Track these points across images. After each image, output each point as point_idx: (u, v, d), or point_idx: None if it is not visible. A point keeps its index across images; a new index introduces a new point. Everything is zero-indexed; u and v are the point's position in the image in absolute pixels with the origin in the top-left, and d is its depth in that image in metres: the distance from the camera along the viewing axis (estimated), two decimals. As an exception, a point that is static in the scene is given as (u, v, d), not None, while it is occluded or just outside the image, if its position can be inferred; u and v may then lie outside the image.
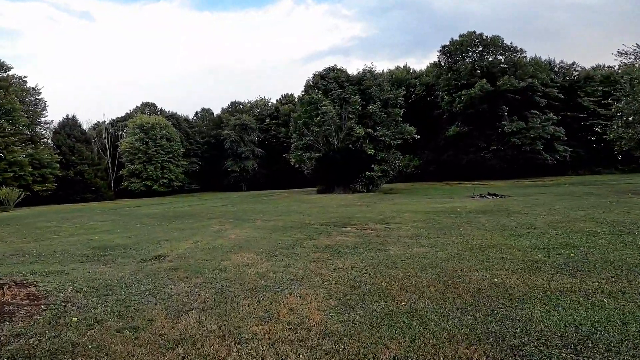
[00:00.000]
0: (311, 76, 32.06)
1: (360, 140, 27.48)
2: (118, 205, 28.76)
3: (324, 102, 27.29)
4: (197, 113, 63.35)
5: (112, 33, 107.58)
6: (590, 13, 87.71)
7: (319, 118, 27.20)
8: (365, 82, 28.92)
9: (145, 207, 23.76)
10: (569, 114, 41.76)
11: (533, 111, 39.36)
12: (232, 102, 60.14)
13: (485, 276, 5.29)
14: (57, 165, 39.36)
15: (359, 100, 27.46)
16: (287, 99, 60.12)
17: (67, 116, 45.33)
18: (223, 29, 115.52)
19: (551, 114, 39.51)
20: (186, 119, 58.05)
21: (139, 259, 7.24)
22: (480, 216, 11.66)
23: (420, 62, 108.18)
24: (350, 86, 29.17)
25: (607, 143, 47.25)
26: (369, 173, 26.71)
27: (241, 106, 59.67)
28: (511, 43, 44.68)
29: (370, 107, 27.62)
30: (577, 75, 45.60)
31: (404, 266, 6.03)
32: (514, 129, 38.49)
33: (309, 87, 31.31)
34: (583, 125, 43.71)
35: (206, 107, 64.00)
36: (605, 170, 41.66)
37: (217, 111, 61.81)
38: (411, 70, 55.26)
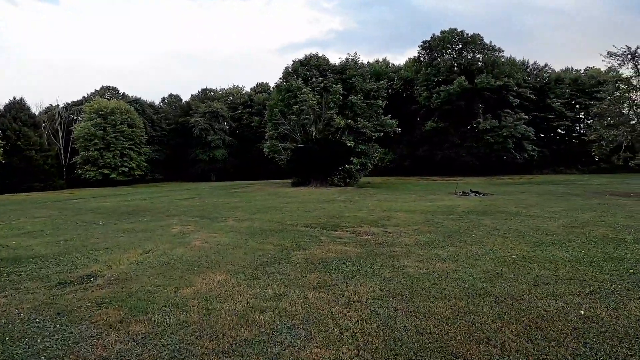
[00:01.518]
0: (290, 63, 29.78)
1: (340, 132, 25.70)
2: (66, 196, 25.18)
3: (303, 90, 25.17)
4: (163, 99, 58.74)
5: (78, 15, 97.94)
6: (561, 17, 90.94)
7: (297, 106, 25.07)
8: (348, 71, 27.07)
9: (96, 199, 20.64)
10: (538, 114, 42.36)
11: (506, 110, 39.42)
12: (202, 89, 56.27)
13: (562, 306, 3.79)
14: (0, 150, 34.41)
15: (341, 89, 25.60)
16: (261, 87, 57.11)
17: (14, 98, 39.95)
18: (199, 15, 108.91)
19: (522, 114, 39.79)
20: (151, 105, 53.46)
21: (56, 282, 5.01)
22: (482, 218, 10.32)
23: (396, 57, 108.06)
24: (332, 75, 27.22)
25: (570, 144, 49.14)
26: (348, 166, 25.05)
27: (212, 93, 55.90)
28: (490, 42, 44.55)
29: (351, 97, 25.86)
30: (547, 77, 46.40)
31: (442, 295, 4.32)
32: (488, 127, 38.35)
33: (287, 74, 28.97)
34: (549, 125, 44.68)
35: (175, 93, 59.46)
36: (567, 171, 42.84)
37: (186, 98, 57.63)
38: (390, 65, 54.08)
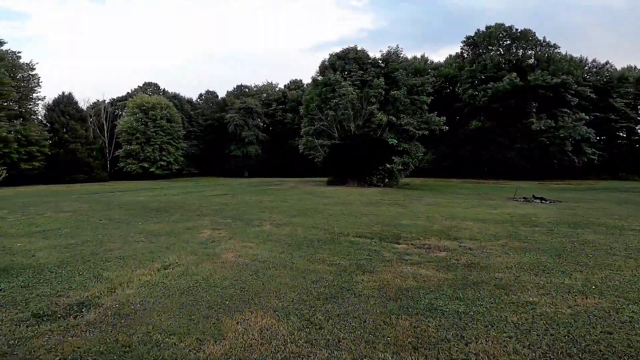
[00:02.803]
0: (327, 56, 27.95)
1: (381, 128, 23.55)
2: (104, 188, 24.97)
3: (342, 83, 23.27)
4: (201, 95, 59.00)
5: (122, 15, 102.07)
6: (609, 15, 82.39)
7: (335, 101, 23.21)
8: (390, 64, 24.83)
9: (131, 192, 19.95)
10: (599, 115, 37.71)
11: (564, 110, 35.29)
12: (237, 86, 55.78)
13: None
14: (47, 142, 35.39)
15: (383, 83, 23.43)
16: (295, 84, 55.81)
17: (62, 93, 41.20)
18: (232, 12, 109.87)
19: (583, 114, 35.47)
20: (189, 101, 53.73)
21: (31, 312, 3.51)
22: (580, 232, 8.21)
23: (430, 56, 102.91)
24: (372, 68, 25.11)
25: (632, 148, 43.53)
26: (389, 165, 22.86)
27: (247, 90, 55.30)
28: (544, 38, 40.40)
29: (394, 92, 23.60)
30: (608, 75, 41.38)
31: (627, 350, 2.38)
32: (543, 127, 34.42)
33: (324, 68, 27.16)
34: (610, 127, 39.79)
35: (211, 90, 59.65)
36: (629, 177, 37.86)
37: (222, 94, 57.52)
38: (429, 62, 50.88)
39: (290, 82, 56.68)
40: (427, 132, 24.00)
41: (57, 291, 4.18)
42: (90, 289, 4.28)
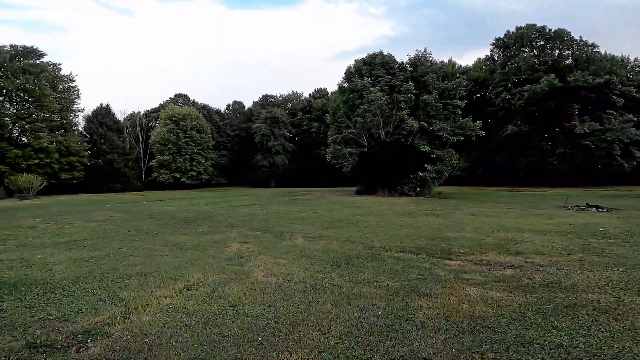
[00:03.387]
0: (352, 62, 27.33)
1: (412, 135, 22.44)
2: (138, 198, 25.38)
3: (371, 89, 22.47)
4: (228, 106, 60.03)
5: (151, 28, 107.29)
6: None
7: (364, 107, 22.39)
8: (419, 68, 23.78)
9: (162, 202, 19.99)
10: (646, 115, 34.44)
11: (609, 111, 32.54)
12: (263, 95, 56.35)
13: None
14: (86, 153, 36.92)
15: (413, 88, 22.40)
16: (320, 93, 55.61)
17: (100, 105, 43.12)
18: (254, 26, 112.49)
19: (631, 115, 32.52)
20: (217, 111, 54.81)
21: (31, 338, 3.01)
22: None
23: (455, 59, 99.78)
24: (401, 73, 24.17)
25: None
26: (421, 173, 21.63)
27: (272, 99, 55.71)
28: (580, 37, 37.89)
29: (425, 96, 22.48)
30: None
31: None
32: (587, 130, 31.82)
33: (350, 74, 26.51)
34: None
35: (238, 100, 60.71)
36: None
37: (248, 105, 58.33)
38: (457, 66, 49.07)
39: (315, 90, 56.56)
40: (462, 138, 22.60)
41: (64, 314, 3.63)
42: (102, 312, 3.70)
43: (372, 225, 10.01)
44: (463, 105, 23.40)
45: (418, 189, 22.73)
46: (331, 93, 54.93)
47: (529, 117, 34.47)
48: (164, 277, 5.02)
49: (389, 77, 24.13)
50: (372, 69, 25.15)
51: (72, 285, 4.65)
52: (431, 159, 22.20)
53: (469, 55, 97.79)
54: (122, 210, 14.85)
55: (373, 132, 24.10)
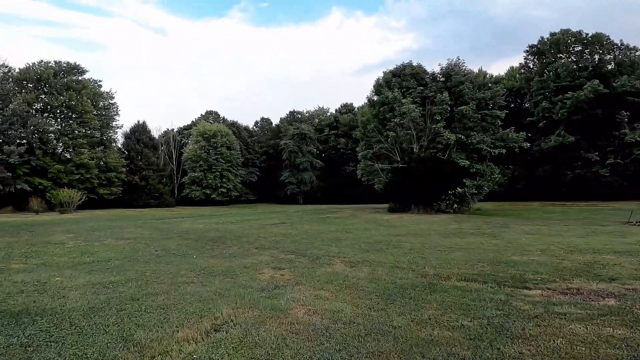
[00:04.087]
0: (381, 75, 26.43)
1: (449, 149, 21.06)
2: (169, 214, 25.47)
3: (403, 101, 21.48)
4: (256, 122, 60.97)
5: (182, 46, 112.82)
6: None
7: (396, 120, 21.38)
8: (453, 77, 22.57)
9: (191, 219, 19.74)
10: None
11: (663, 118, 29.56)
12: (290, 112, 56.68)
13: None
14: (124, 169, 38.21)
15: (448, 99, 21.18)
16: (346, 108, 55.13)
17: (138, 122, 44.84)
18: (278, 43, 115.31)
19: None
20: (246, 128, 55.64)
21: None
22: None
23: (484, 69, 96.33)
24: (433, 83, 23.06)
25: None
26: (460, 189, 20.10)
27: (299, 116, 55.88)
28: (621, 41, 35.27)
29: (461, 107, 21.16)
30: None
31: None
32: (638, 139, 28.96)
33: (379, 87, 25.66)
34: None
35: (265, 116, 61.56)
36: None
37: (275, 121, 58.91)
38: (488, 75, 47.11)
39: (342, 106, 56.18)
40: (504, 151, 20.93)
41: (64, 364, 2.87)
42: (110, 364, 2.91)
43: (417, 247, 8.87)
44: (503, 115, 21.83)
45: (456, 205, 21.15)
46: (357, 108, 54.36)
47: (573, 127, 31.93)
48: (189, 312, 4.23)
49: (421, 88, 23.08)
50: (402, 81, 24.21)
51: (83, 318, 3.96)
52: (470, 173, 20.66)
53: (497, 65, 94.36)
54: (153, 227, 14.56)
55: (405, 147, 22.94)
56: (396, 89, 23.12)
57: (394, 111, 22.13)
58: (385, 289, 5.19)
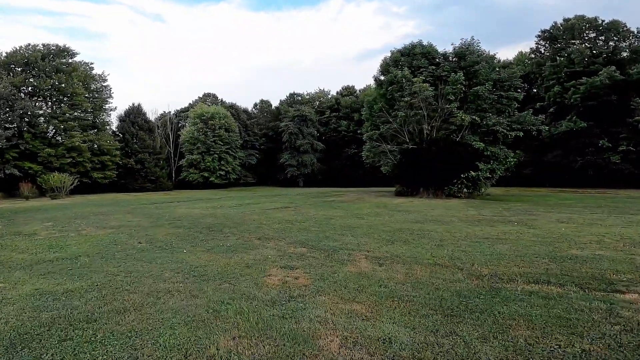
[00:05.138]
0: (389, 54, 24.48)
1: (462, 130, 19.50)
2: (165, 198, 23.99)
3: (414, 79, 19.75)
4: (255, 105, 58.61)
5: (181, 32, 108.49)
6: None
7: (407, 99, 19.68)
8: (468, 57, 20.75)
9: (188, 203, 18.28)
10: None
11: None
12: (290, 94, 54.38)
13: None
14: (118, 152, 36.36)
15: (462, 78, 19.43)
16: (348, 90, 52.95)
17: (132, 104, 42.63)
18: (278, 27, 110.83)
19: None
20: (245, 110, 53.40)
21: None
22: None
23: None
24: (446, 62, 21.28)
25: None
26: (473, 173, 18.67)
27: (300, 98, 53.66)
28: (638, 28, 33.40)
29: (477, 87, 19.44)
30: None
31: None
32: (653, 126, 27.56)
33: (386, 66, 23.78)
34: None
35: (265, 99, 59.18)
36: None
37: (275, 104, 56.67)
38: (496, 60, 44.92)
39: (343, 88, 53.94)
40: (521, 134, 19.43)
41: None
42: None
43: (446, 238, 7.47)
44: (521, 97, 20.20)
45: (466, 190, 19.76)
46: (359, 90, 52.24)
47: (587, 112, 30.32)
48: (167, 345, 2.81)
49: (433, 67, 21.27)
50: (412, 60, 22.34)
51: (6, 352, 2.54)
52: (484, 156, 19.19)
53: (501, 53, 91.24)
54: (143, 213, 13.09)
55: (414, 128, 21.32)
56: (406, 68, 21.31)
57: (404, 90, 20.42)
58: (440, 298, 3.80)
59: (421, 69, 21.40)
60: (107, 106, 37.41)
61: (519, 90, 21.12)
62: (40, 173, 28.98)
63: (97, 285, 4.30)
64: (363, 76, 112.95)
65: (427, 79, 20.53)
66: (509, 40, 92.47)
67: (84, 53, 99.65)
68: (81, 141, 31.50)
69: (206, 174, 43.39)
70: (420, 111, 19.92)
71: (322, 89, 55.95)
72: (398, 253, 6.03)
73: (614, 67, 29.53)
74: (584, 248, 6.35)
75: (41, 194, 28.27)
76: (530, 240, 7.13)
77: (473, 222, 10.23)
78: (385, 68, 23.74)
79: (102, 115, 37.06)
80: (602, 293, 3.93)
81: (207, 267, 5.11)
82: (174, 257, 5.82)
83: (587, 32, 35.13)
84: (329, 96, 54.06)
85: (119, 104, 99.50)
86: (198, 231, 8.36)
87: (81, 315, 3.37)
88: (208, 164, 43.14)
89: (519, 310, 3.47)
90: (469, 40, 22.24)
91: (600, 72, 29.71)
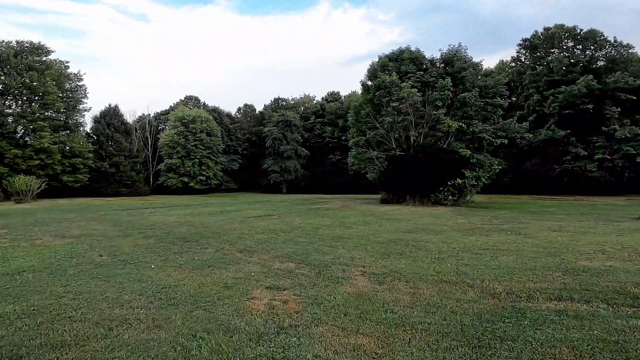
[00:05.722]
0: (376, 59, 24.29)
1: (449, 137, 19.33)
2: (140, 203, 22.59)
3: (402, 85, 19.48)
4: (239, 109, 57.31)
5: (165, 33, 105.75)
6: None
7: (395, 104, 19.37)
8: (456, 63, 20.74)
9: (164, 209, 17.11)
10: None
11: (652, 114, 29.18)
12: (275, 99, 53.52)
13: None
14: (91, 155, 34.32)
15: (450, 84, 19.33)
16: (333, 96, 52.70)
17: (109, 105, 40.61)
18: (264, 31, 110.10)
19: (675, 119, 29.12)
20: (228, 115, 52.06)
21: None
22: None
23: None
24: (434, 68, 21.20)
25: None
26: (460, 180, 18.47)
27: (284, 103, 52.88)
28: (615, 38, 34.79)
29: (464, 94, 19.38)
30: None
31: None
32: (628, 135, 28.51)
33: (373, 72, 23.51)
34: None
35: (249, 103, 58.02)
36: None
37: (259, 108, 55.64)
38: (478, 68, 45.87)
39: (328, 94, 53.67)
40: (505, 141, 19.46)
41: None
42: None
43: (444, 249, 6.92)
44: (506, 104, 20.33)
45: (451, 197, 19.53)
46: (344, 96, 52.05)
47: (565, 121, 31.11)
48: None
49: (420, 72, 21.13)
50: (400, 65, 22.17)
51: None
52: (470, 164, 19.06)
53: (484, 61, 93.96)
54: (112, 220, 11.94)
55: (401, 134, 21.02)
56: (394, 73, 21.07)
57: (392, 96, 20.12)
58: (460, 324, 3.16)
59: (409, 75, 21.21)
60: (81, 107, 35.42)
61: (504, 98, 21.22)
62: (6, 175, 26.87)
63: (34, 309, 3.41)
64: (348, 82, 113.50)
65: (415, 85, 20.33)
66: (490, 48, 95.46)
67: (62, 51, 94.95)
68: (51, 142, 29.49)
69: (186, 179, 41.73)
70: (408, 117, 19.64)
71: (307, 94, 55.49)
72: (397, 268, 5.40)
73: (591, 76, 30.43)
74: (592, 259, 5.93)
75: (6, 198, 26.18)
76: (532, 251, 6.68)
77: (466, 231, 9.77)
78: (372, 73, 23.44)
79: (76, 116, 35.03)
80: (633, 309, 3.46)
81: (177, 288, 4.28)
82: (138, 274, 4.94)
83: (565, 40, 36.19)
84: (314, 102, 53.61)
85: (96, 105, 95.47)
86: (171, 242, 7.44)
87: (2, 351, 2.51)
88: (188, 168, 41.55)
89: (554, 334, 2.91)
90: (456, 46, 22.31)
91: (577, 81, 30.55)
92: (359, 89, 26.51)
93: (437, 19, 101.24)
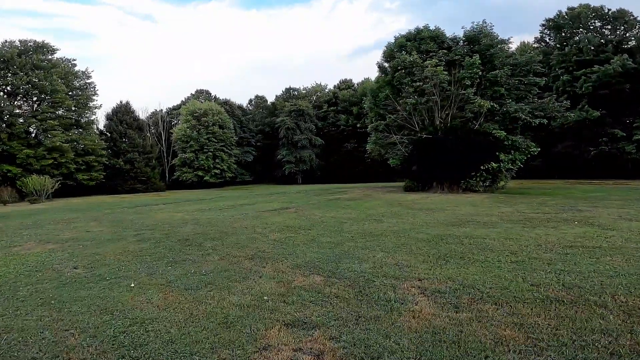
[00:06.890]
0: (392, 40, 22.17)
1: (480, 118, 17.29)
2: (151, 200, 21.63)
3: (425, 63, 17.50)
4: (250, 101, 55.95)
5: (172, 31, 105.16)
6: None
7: (419, 84, 17.43)
8: (483, 40, 18.52)
9: (174, 205, 15.92)
10: None
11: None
12: (286, 89, 51.85)
13: None
14: (104, 152, 33.77)
15: (479, 61, 17.19)
16: (345, 84, 50.55)
17: (120, 102, 39.97)
18: (270, 25, 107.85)
19: None
20: (240, 107, 50.77)
21: None
22: None
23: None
24: (458, 46, 19.07)
25: None
26: (495, 164, 16.50)
27: (296, 92, 51.16)
28: None
29: (495, 72, 17.23)
30: None
31: None
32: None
33: (390, 52, 21.44)
34: None
35: (260, 95, 56.56)
36: None
37: (271, 100, 54.10)
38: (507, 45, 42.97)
39: (340, 82, 51.52)
40: (545, 121, 17.31)
41: None
42: None
43: (515, 249, 5.23)
44: (542, 82, 18.10)
45: (483, 183, 17.59)
46: (357, 84, 49.80)
47: (599, 101, 28.35)
48: None
49: (444, 51, 19.01)
50: (420, 44, 20.06)
51: None
52: (505, 146, 17.03)
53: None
54: (114, 220, 10.73)
55: (425, 117, 19.08)
56: (414, 52, 19.04)
57: (413, 76, 18.18)
58: None
59: (431, 54, 19.11)
60: (91, 104, 34.77)
61: (540, 75, 18.94)
62: (20, 176, 26.45)
63: None
64: (359, 71, 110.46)
65: (439, 64, 18.29)
66: (502, 34, 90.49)
67: (73, 53, 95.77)
68: (63, 141, 28.91)
69: (200, 173, 40.95)
70: (432, 97, 17.67)
71: (319, 83, 53.52)
72: (469, 280, 3.79)
73: (626, 55, 27.72)
74: None
75: (22, 199, 25.80)
76: (635, 248, 4.93)
77: (521, 222, 8.02)
78: (389, 54, 21.38)
79: (87, 114, 34.43)
80: None
81: (153, 324, 2.83)
82: (108, 297, 3.52)
83: (593, 20, 33.54)
84: (326, 90, 51.67)
85: (109, 104, 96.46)
86: (168, 247, 6.04)
87: None
88: (202, 162, 40.70)
89: None
90: (480, 23, 19.99)
91: (612, 61, 27.84)
92: (372, 76, 24.65)
93: (444, 5, 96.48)
